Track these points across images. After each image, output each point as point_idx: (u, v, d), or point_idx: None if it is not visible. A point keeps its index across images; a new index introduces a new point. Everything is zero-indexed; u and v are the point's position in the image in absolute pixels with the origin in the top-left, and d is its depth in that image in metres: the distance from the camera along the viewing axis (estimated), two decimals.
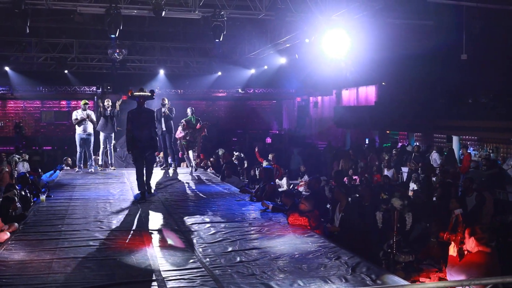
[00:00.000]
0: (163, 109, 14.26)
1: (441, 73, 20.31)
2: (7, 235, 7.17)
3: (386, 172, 16.69)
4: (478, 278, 5.09)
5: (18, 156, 15.99)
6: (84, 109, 14.18)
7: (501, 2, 15.10)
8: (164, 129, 14.26)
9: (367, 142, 26.51)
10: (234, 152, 18.29)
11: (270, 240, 7.27)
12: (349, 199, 10.66)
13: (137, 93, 10.59)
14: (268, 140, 32.05)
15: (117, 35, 14.24)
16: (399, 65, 21.75)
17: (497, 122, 17.00)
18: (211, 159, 17.95)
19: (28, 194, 11.10)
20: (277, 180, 15.25)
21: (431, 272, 7.81)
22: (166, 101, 14.46)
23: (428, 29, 18.06)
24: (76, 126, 14.13)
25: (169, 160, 15.07)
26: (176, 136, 14.61)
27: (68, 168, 15.35)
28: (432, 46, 18.71)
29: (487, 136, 19.58)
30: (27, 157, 16.66)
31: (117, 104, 14.57)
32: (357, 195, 12.82)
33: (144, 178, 10.60)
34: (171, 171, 14.56)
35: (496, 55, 18.71)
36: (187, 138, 14.22)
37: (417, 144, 21.67)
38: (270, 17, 15.33)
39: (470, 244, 6.02)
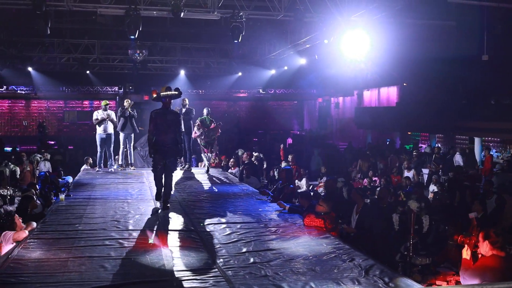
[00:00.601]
0: (183, 110, 14.33)
1: (463, 74, 20.10)
2: (25, 233, 7.26)
3: (406, 173, 16.57)
4: (490, 282, 5.03)
5: (39, 156, 16.17)
6: (105, 110, 14.30)
7: None
8: (183, 129, 14.32)
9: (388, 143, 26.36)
10: (254, 153, 18.31)
11: (285, 241, 7.27)
12: (368, 200, 10.64)
13: (164, 93, 9.58)
14: (289, 140, 32.02)
15: (136, 36, 14.35)
16: (420, 66, 21.58)
17: None
18: (231, 159, 17.97)
19: (48, 193, 11.28)
20: (296, 181, 15.25)
21: (448, 275, 7.74)
22: (187, 102, 14.54)
23: (449, 30, 17.87)
24: (97, 126, 14.25)
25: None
26: (193, 136, 14.71)
27: (89, 167, 15.51)
28: (453, 46, 18.51)
29: (510, 137, 19.33)
30: (48, 156, 16.85)
31: (126, 104, 14.55)
32: (376, 197, 12.78)
33: (162, 188, 9.59)
34: (188, 171, 14.63)
35: None
36: (202, 137, 14.33)
37: (438, 145, 21.48)
38: (289, 17, 15.32)
39: (484, 248, 5.95)
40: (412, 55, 20.40)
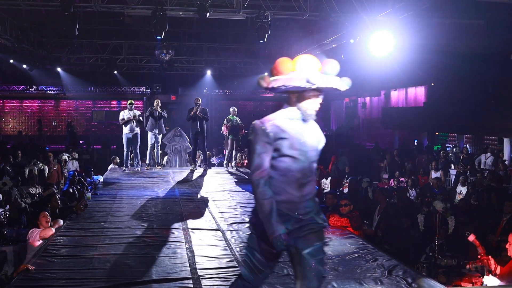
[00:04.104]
0: (198, 110, 14.25)
1: (492, 73, 19.80)
2: (52, 231, 7.38)
3: (433, 174, 16.40)
4: None
5: (67, 155, 16.39)
6: (131, 109, 14.40)
7: None
8: (199, 129, 14.27)
9: (415, 143, 26.17)
10: None
11: None
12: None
13: (325, 82, 4.05)
14: None
15: (163, 36, 14.45)
16: (448, 66, 21.29)
17: None
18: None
19: (76, 192, 11.42)
20: (322, 180, 15.22)
21: (473, 277, 7.64)
22: (200, 101, 14.49)
23: (478, 29, 17.63)
24: (123, 126, 14.38)
25: (198, 161, 15.38)
26: (223, 133, 14.99)
27: (116, 167, 15.67)
28: (482, 46, 18.26)
29: None
30: (76, 155, 17.07)
31: (155, 103, 14.72)
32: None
33: None
34: (211, 171, 14.67)
35: None
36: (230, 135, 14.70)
37: (466, 146, 21.25)
38: (315, 17, 15.28)
39: None
40: (439, 55, 20.14)
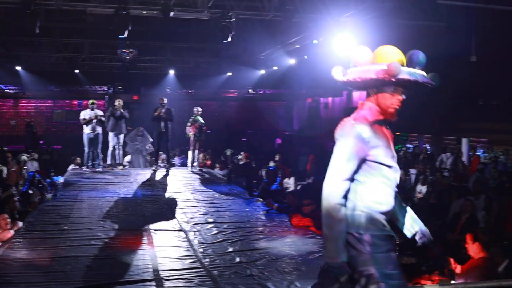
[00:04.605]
0: (162, 110, 14.25)
1: (451, 75, 20.13)
2: (10, 233, 7.24)
3: None
4: (473, 282, 5.05)
5: (27, 155, 16.09)
6: (92, 109, 14.25)
7: None
8: (163, 130, 14.28)
9: None
10: (242, 153, 18.32)
11: (271, 241, 7.29)
12: None
13: (407, 75, 3.45)
14: (278, 140, 32.03)
15: (126, 36, 14.29)
16: None
17: (508, 124, 16.89)
18: (220, 160, 17.97)
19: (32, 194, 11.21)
20: (285, 180, 15.26)
21: (433, 275, 7.77)
22: (165, 101, 14.50)
23: (439, 31, 17.93)
24: (84, 125, 14.21)
25: (159, 162, 15.35)
26: (189, 132, 14.98)
27: (77, 167, 15.45)
28: (443, 47, 18.56)
29: (497, 138, 19.45)
30: (36, 156, 16.76)
31: (117, 103, 14.60)
32: None
33: None
34: (174, 171, 14.62)
35: (508, 57, 18.53)
36: (196, 135, 14.73)
37: (426, 146, 21.62)
38: (279, 18, 15.30)
39: (474, 250, 5.93)
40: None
